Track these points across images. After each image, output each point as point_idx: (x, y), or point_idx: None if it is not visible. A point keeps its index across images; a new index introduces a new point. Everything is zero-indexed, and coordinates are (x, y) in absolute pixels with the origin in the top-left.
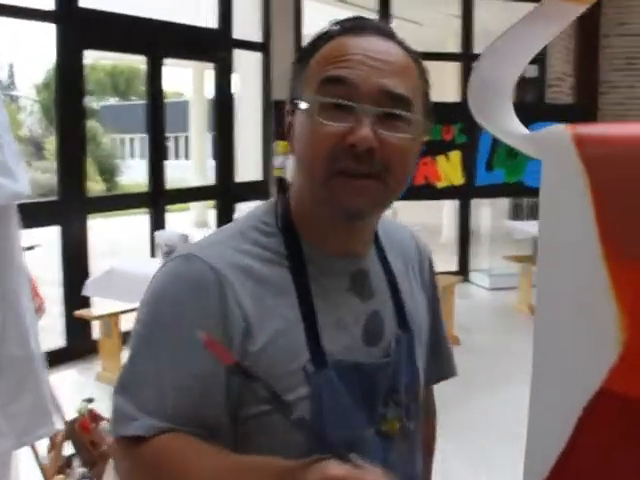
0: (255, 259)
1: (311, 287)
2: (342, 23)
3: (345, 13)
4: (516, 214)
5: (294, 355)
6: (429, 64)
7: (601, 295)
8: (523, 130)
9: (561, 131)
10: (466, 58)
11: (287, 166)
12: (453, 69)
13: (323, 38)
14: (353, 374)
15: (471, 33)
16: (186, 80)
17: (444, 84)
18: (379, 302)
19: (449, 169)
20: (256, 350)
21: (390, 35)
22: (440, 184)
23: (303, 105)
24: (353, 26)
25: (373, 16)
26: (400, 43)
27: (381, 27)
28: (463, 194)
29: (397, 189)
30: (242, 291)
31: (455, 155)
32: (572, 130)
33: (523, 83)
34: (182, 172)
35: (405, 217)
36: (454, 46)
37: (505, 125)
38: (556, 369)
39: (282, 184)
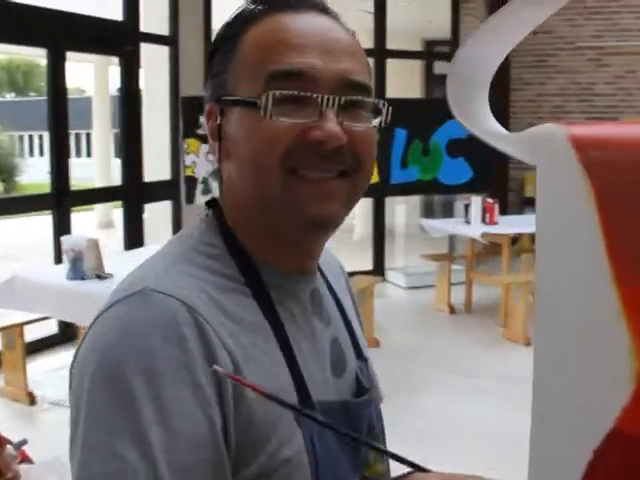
0: (213, 287)
1: (280, 314)
2: None
3: None
4: (428, 212)
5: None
6: None
7: (611, 322)
8: (501, 129)
9: (555, 132)
10: (380, 54)
11: (198, 165)
12: None
13: (249, 18)
14: (341, 415)
15: (384, 29)
16: (88, 75)
17: None
18: (335, 327)
19: None
20: (249, 401)
21: (328, 10)
22: None
23: (243, 102)
24: (287, 1)
25: None
26: (338, 19)
27: (318, 1)
28: (378, 192)
29: (365, 186)
30: (220, 328)
31: None
32: (568, 130)
33: (433, 80)
34: (84, 171)
35: None
36: (363, 42)
37: (485, 123)
38: (561, 408)
39: (212, 198)
